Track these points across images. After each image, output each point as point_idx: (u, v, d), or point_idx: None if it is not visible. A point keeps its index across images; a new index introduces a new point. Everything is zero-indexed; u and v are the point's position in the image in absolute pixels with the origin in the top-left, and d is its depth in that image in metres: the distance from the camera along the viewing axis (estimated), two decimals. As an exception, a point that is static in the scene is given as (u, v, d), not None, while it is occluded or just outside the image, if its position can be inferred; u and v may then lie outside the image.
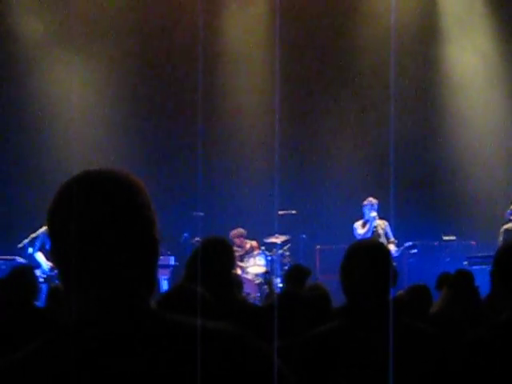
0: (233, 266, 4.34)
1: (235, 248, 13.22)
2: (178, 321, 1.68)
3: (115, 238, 1.67)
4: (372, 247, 3.39)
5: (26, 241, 11.95)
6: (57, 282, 11.35)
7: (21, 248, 11.96)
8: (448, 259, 13.58)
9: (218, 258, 4.11)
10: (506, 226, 13.08)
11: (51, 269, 11.91)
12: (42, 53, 14.91)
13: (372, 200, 13.18)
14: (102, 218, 1.67)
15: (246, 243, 13.83)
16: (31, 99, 14.68)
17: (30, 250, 12.01)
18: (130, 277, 1.68)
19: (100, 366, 1.59)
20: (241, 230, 13.89)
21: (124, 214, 1.69)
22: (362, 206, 13.29)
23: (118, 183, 1.73)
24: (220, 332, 1.67)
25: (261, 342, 1.70)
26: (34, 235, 12.02)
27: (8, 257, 11.97)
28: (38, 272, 11.69)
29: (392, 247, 12.81)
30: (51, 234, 1.74)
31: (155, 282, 1.76)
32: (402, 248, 13.01)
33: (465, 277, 6.48)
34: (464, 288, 6.27)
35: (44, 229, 12.08)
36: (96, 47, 15.14)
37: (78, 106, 14.98)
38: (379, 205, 13.12)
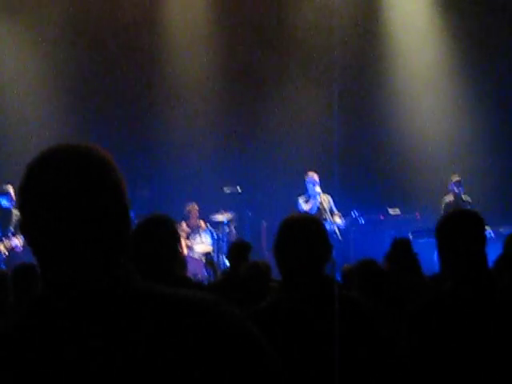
0: (176, 243, 4.31)
1: (183, 227, 13.25)
2: (152, 289, 1.70)
3: (87, 210, 1.67)
4: (304, 220, 3.37)
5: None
6: (2, 266, 11.25)
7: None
8: (393, 232, 13.72)
9: (160, 235, 4.08)
10: (446, 199, 13.26)
11: (-2, 253, 11.79)
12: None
13: (313, 174, 13.11)
14: (73, 191, 1.66)
15: (195, 219, 13.83)
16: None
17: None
18: (102, 247, 1.69)
19: (73, 337, 1.61)
20: (195, 206, 13.90)
21: (96, 186, 1.70)
22: (304, 181, 13.24)
23: (87, 156, 1.72)
24: (193, 299, 1.69)
25: (236, 308, 1.73)
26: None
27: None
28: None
29: (338, 220, 12.88)
30: (22, 210, 1.72)
31: (127, 250, 1.76)
32: (349, 218, 13.05)
33: (402, 245, 6.52)
34: (403, 257, 6.32)
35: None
36: (36, 21, 14.92)
37: (19, 84, 14.77)
38: (324, 179, 13.14)
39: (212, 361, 1.60)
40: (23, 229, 1.73)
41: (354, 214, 13.10)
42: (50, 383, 1.58)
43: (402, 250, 6.37)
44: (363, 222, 13.25)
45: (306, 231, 3.26)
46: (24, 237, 1.74)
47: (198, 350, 1.60)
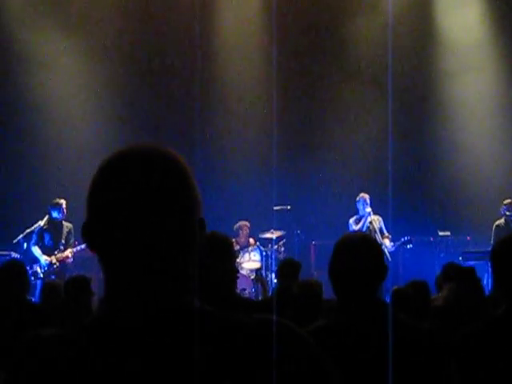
0: (233, 262, 4.33)
1: (234, 244, 13.22)
2: (222, 315, 1.61)
3: (164, 221, 1.54)
4: (360, 240, 3.33)
5: (20, 236, 11.91)
6: (53, 277, 11.39)
7: (16, 243, 11.93)
8: (442, 255, 13.62)
9: (219, 254, 4.07)
10: (497, 222, 13.14)
11: (49, 264, 11.90)
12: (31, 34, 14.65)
13: (364, 195, 13.12)
14: (151, 199, 1.53)
15: (245, 237, 13.78)
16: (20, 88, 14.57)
17: (25, 245, 11.98)
18: (176, 266, 1.56)
19: (134, 361, 1.51)
20: (247, 224, 13.88)
21: (175, 196, 1.56)
22: (355, 202, 13.22)
23: (167, 162, 1.59)
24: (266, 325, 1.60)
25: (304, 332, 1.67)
26: (29, 230, 11.98)
27: (3, 252, 11.96)
28: (36, 267, 11.72)
29: (387, 242, 12.81)
30: (92, 216, 1.58)
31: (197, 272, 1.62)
32: (398, 243, 12.97)
33: (469, 271, 6.49)
34: (469, 283, 6.27)
35: (40, 223, 12.05)
36: (90, 33, 14.99)
37: (71, 97, 14.84)
38: (375, 201, 13.08)
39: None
40: (92, 234, 1.59)
41: (404, 239, 13.01)
42: None
43: (467, 276, 6.31)
44: (412, 246, 13.12)
45: (363, 252, 3.23)
46: (89, 242, 1.59)
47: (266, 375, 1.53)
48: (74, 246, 12.07)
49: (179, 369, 1.51)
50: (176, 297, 1.57)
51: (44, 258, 11.93)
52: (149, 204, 1.53)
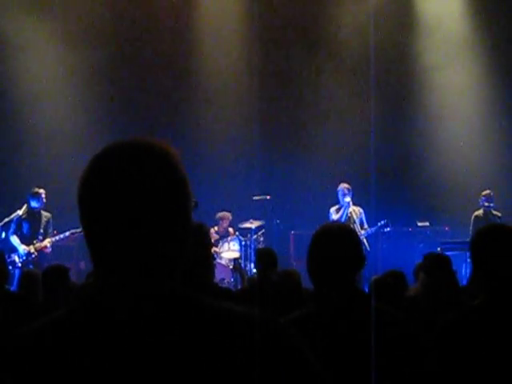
0: (208, 250, 4.31)
1: (213, 233, 13.22)
2: (204, 303, 1.64)
3: (149, 214, 1.57)
4: (338, 230, 3.34)
5: (-2, 225, 11.87)
6: (31, 266, 11.32)
7: (-7, 233, 11.88)
8: (421, 245, 13.65)
9: (195, 243, 4.04)
10: (476, 213, 13.20)
11: (27, 253, 11.84)
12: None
13: (344, 185, 13.12)
14: (137, 192, 1.57)
15: (224, 227, 13.78)
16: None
17: (3, 234, 11.91)
18: (160, 256, 1.60)
19: (122, 342, 1.55)
20: (228, 215, 13.89)
21: (161, 189, 1.59)
22: (337, 192, 13.22)
23: (156, 155, 1.63)
24: (246, 315, 1.64)
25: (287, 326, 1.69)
26: (7, 219, 11.91)
27: (-20, 241, 11.89)
28: (14, 256, 11.65)
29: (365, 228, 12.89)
30: (82, 207, 1.62)
31: (185, 261, 1.67)
32: (375, 227, 12.99)
33: (443, 261, 6.49)
34: (442, 273, 6.28)
35: (19, 212, 11.98)
36: (67, 17, 14.84)
37: (54, 93, 14.72)
38: (355, 191, 13.08)
39: (264, 373, 1.56)
40: (83, 222, 1.62)
41: (381, 222, 13.03)
42: (97, 380, 1.53)
43: (440, 266, 6.31)
44: (389, 229, 13.14)
45: (341, 241, 3.24)
46: (84, 230, 1.63)
47: (245, 361, 1.56)
48: (53, 236, 12.02)
49: (162, 356, 1.54)
50: (162, 285, 1.61)
51: (22, 248, 11.88)
52: (137, 201, 1.57)
